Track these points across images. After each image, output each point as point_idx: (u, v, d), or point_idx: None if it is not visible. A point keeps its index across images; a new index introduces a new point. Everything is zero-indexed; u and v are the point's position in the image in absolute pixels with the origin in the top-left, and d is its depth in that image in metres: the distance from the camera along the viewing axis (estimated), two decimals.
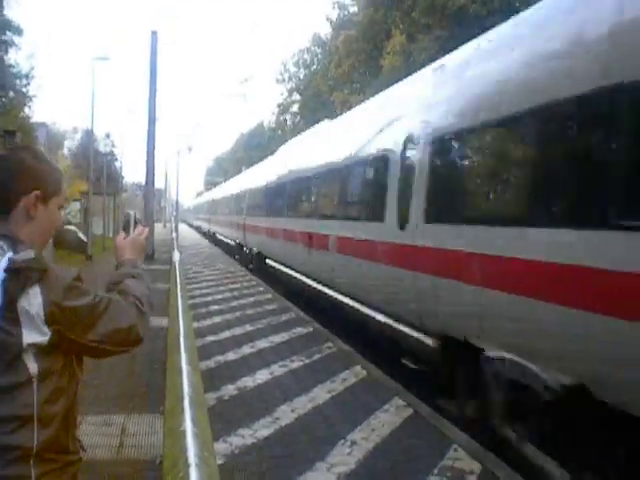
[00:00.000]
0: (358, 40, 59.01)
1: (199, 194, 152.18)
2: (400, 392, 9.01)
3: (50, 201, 2.42)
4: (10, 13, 34.43)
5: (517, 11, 31.71)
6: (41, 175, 2.40)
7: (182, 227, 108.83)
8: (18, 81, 36.97)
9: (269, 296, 19.34)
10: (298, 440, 7.02)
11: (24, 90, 37.88)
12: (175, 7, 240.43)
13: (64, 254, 28.52)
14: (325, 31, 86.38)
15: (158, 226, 73.91)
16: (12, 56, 36.27)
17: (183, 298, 3.78)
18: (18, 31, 34.94)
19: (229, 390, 8.79)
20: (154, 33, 29.17)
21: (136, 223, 2.88)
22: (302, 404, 8.26)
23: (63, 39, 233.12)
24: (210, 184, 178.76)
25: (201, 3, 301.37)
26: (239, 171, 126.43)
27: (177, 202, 67.62)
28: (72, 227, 34.24)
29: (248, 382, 9.25)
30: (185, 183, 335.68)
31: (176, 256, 9.73)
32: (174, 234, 27.71)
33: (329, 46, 78.63)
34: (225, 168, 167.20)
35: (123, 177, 73.92)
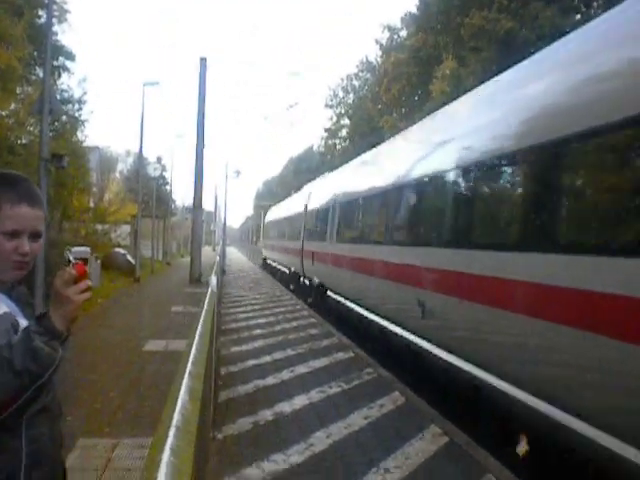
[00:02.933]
0: (408, 64, 59.06)
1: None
2: (436, 419, 8.92)
3: None
4: (63, 38, 35.21)
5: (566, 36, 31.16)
6: None
7: (230, 250, 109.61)
8: (70, 106, 37.67)
9: (313, 320, 19.34)
10: (331, 467, 6.98)
11: (76, 114, 38.57)
12: (224, 33, 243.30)
13: (113, 276, 28.87)
14: (373, 55, 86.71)
15: (207, 249, 74.59)
16: (65, 80, 37.09)
17: (206, 322, 3.79)
18: (70, 56, 35.73)
19: (266, 415, 8.80)
20: (203, 59, 29.54)
21: (79, 264, 2.45)
22: (338, 430, 8.21)
23: (115, 64, 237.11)
24: (259, 208, 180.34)
25: (251, 30, 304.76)
26: (288, 195, 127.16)
27: (225, 225, 68.03)
28: (121, 250, 34.67)
29: (285, 407, 9.24)
30: (235, 207, 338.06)
31: (213, 280, 9.76)
32: (217, 258, 27.80)
33: (378, 70, 78.82)
34: (274, 192, 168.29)
35: (174, 200, 74.79)
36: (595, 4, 41.15)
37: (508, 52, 39.15)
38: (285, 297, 26.52)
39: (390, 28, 77.32)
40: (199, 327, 3.79)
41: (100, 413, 8.49)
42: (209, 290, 7.49)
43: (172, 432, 1.77)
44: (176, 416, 1.92)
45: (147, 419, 8.07)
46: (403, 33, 73.72)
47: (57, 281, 2.33)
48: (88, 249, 23.63)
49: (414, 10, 61.92)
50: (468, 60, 42.94)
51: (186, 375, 2.46)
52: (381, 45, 79.76)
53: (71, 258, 2.35)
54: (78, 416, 8.16)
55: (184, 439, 1.75)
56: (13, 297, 2.42)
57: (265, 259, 52.90)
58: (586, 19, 38.52)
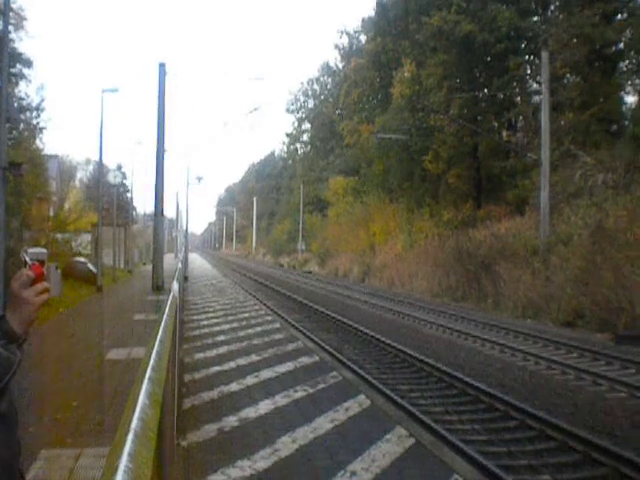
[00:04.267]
0: (368, 68, 59.30)
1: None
2: (403, 421, 8.92)
3: None
4: (20, 46, 34.80)
5: (525, 38, 31.92)
6: None
7: (193, 256, 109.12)
8: (28, 113, 37.26)
9: (277, 325, 19.31)
10: (297, 471, 6.94)
11: (34, 122, 38.16)
12: (183, 39, 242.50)
13: (74, 285, 28.56)
14: (334, 59, 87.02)
15: (169, 256, 74.14)
16: (22, 88, 36.64)
17: (166, 328, 3.74)
18: (28, 63, 35.32)
19: (231, 421, 8.73)
20: (162, 65, 29.37)
21: (36, 265, 2.31)
22: (304, 434, 8.16)
23: (73, 71, 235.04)
24: (222, 214, 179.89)
25: (209, 35, 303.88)
26: (250, 201, 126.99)
27: (187, 232, 67.76)
28: (82, 258, 34.32)
29: (250, 413, 9.18)
30: (196, 213, 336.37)
31: (175, 286, 9.68)
32: (179, 265, 27.64)
33: (338, 74, 79.13)
34: (236, 198, 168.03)
35: (135, 208, 74.27)
36: (552, 6, 41.63)
37: (467, 54, 39.49)
38: (249, 303, 26.47)
39: (348, 33, 77.61)
40: (159, 333, 3.74)
41: (63, 423, 8.37)
42: (170, 296, 7.42)
43: (130, 437, 1.72)
44: (135, 421, 1.87)
45: (110, 428, 7.96)
46: (362, 37, 74.06)
47: (14, 283, 2.26)
48: (44, 250, 23.33)
49: (373, 14, 62.25)
50: (427, 63, 43.20)
51: (145, 380, 2.41)
52: (340, 50, 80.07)
53: (27, 259, 2.28)
54: (40, 426, 8.04)
55: (143, 444, 1.70)
56: None
57: None
58: (543, 21, 39.04)
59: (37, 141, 39.06)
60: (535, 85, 39.84)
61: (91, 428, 8.12)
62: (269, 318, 21.25)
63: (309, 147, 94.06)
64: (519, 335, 20.06)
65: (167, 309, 5.41)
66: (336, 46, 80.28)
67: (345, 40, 78.41)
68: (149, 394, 2.23)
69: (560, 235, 26.88)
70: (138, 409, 2.02)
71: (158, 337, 3.45)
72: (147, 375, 2.49)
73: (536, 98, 37.96)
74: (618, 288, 21.02)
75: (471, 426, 10.10)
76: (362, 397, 10.16)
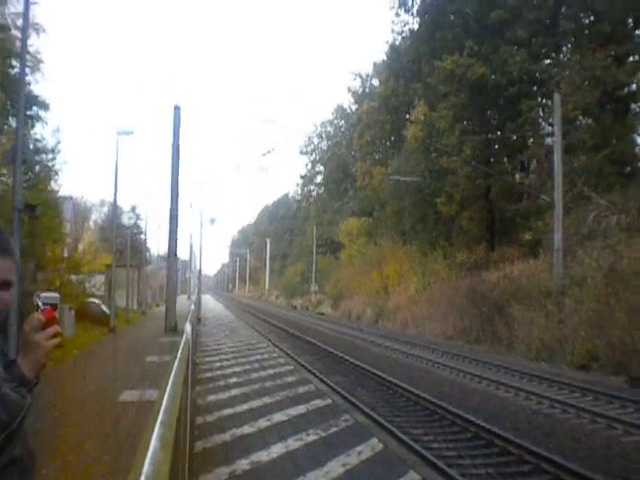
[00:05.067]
0: (380, 111, 59.67)
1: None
2: (416, 465, 8.86)
3: None
4: (36, 88, 35.18)
5: (537, 81, 32.05)
6: None
7: (206, 298, 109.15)
8: (44, 155, 37.57)
9: (290, 368, 19.25)
10: None
11: (50, 164, 38.46)
12: (198, 83, 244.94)
13: (87, 326, 28.59)
14: (347, 102, 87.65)
15: (182, 297, 74.18)
16: (38, 130, 36.98)
17: (179, 370, 3.75)
18: (44, 106, 35.65)
19: (242, 464, 8.69)
20: (177, 108, 29.69)
21: (48, 309, 2.31)
22: (316, 478, 8.11)
23: (88, 113, 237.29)
24: (235, 255, 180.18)
25: (224, 78, 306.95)
26: (264, 242, 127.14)
27: (200, 273, 67.89)
28: (95, 300, 34.40)
29: (262, 456, 9.13)
30: (210, 255, 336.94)
31: (187, 328, 9.69)
32: (192, 306, 27.65)
33: (352, 117, 79.64)
34: (250, 240, 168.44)
35: (148, 249, 74.52)
36: (564, 49, 41.89)
37: (479, 97, 39.68)
38: (261, 345, 26.43)
39: (361, 76, 78.25)
40: (172, 375, 3.75)
41: (75, 465, 8.34)
42: (183, 337, 7.43)
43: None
44: (146, 466, 1.89)
45: (123, 470, 7.93)
46: (375, 81, 74.65)
47: (26, 327, 2.29)
48: (57, 295, 23.45)
49: (385, 59, 62.84)
50: (439, 106, 43.43)
51: (157, 424, 2.42)
52: (353, 93, 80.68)
53: (40, 304, 2.31)
54: (52, 469, 8.02)
55: None
56: None
57: None
58: (555, 64, 39.26)
59: (52, 183, 39.31)
60: (547, 127, 39.96)
61: (103, 471, 8.10)
62: (282, 360, 21.19)
63: (322, 189, 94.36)
64: (533, 378, 19.93)
65: (179, 351, 5.42)
66: (349, 89, 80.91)
67: (358, 83, 79.05)
68: (160, 438, 2.24)
69: (574, 277, 26.77)
70: (150, 453, 2.03)
71: (170, 380, 3.47)
72: (159, 419, 2.50)
73: (548, 140, 38.07)
74: (632, 330, 20.88)
75: (485, 470, 10.02)
76: (375, 440, 10.09)
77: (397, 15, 53.88)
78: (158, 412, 2.61)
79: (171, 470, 2.26)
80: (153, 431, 2.29)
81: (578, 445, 11.70)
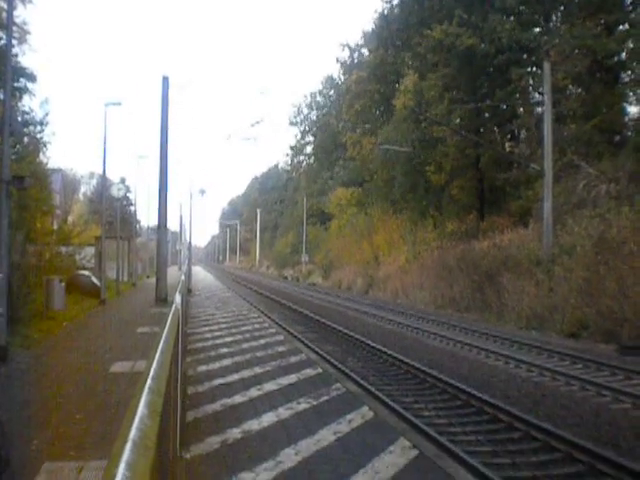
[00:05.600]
0: (370, 80, 59.33)
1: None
2: (406, 432, 8.90)
3: None
4: (24, 60, 34.84)
5: (526, 50, 31.90)
6: None
7: (197, 269, 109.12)
8: (32, 127, 37.30)
9: (281, 338, 19.29)
10: None
11: (38, 136, 38.19)
12: (187, 53, 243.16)
13: (77, 298, 28.55)
14: (337, 73, 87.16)
15: (173, 269, 74.12)
16: (26, 102, 36.66)
17: (168, 339, 3.74)
18: (32, 78, 35.32)
19: (234, 433, 8.72)
20: (165, 79, 29.46)
21: None
22: (307, 446, 8.13)
23: (76, 85, 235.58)
24: (225, 227, 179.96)
25: (213, 48, 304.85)
26: (254, 214, 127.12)
27: (190, 245, 67.79)
28: (85, 272, 34.33)
29: (253, 425, 9.16)
30: (200, 226, 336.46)
31: (177, 299, 9.68)
32: (183, 277, 27.60)
33: (341, 87, 79.23)
34: (239, 211, 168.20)
35: (138, 221, 74.31)
36: (554, 18, 41.70)
37: (469, 66, 39.52)
38: (252, 315, 26.47)
39: (349, 47, 77.74)
40: (160, 344, 3.74)
41: (66, 436, 8.36)
42: (172, 308, 7.42)
43: (128, 447, 1.73)
44: (133, 431, 1.88)
45: (114, 441, 7.95)
46: (364, 51, 74.17)
47: None
48: None
49: (374, 28, 62.45)
50: (429, 75, 43.24)
51: (145, 390, 2.41)
52: (342, 63, 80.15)
53: None
54: (43, 439, 8.04)
55: (141, 454, 1.71)
56: None
57: None
58: (545, 32, 39.09)
59: (41, 155, 39.04)
60: (537, 96, 39.91)
61: (94, 441, 8.11)
62: (272, 330, 21.24)
63: (312, 159, 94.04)
64: (523, 346, 20.05)
65: (169, 321, 5.41)
66: (338, 60, 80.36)
67: (346, 54, 78.54)
68: (148, 404, 2.24)
69: (563, 246, 26.84)
70: (137, 419, 2.03)
71: (159, 348, 3.46)
72: (147, 385, 2.50)
73: (538, 109, 38.03)
74: (622, 299, 20.99)
75: (475, 437, 10.09)
76: (365, 409, 10.14)
77: None
78: (146, 379, 2.60)
79: (160, 437, 2.25)
80: (141, 397, 2.28)
81: (567, 412, 11.79)
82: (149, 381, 2.58)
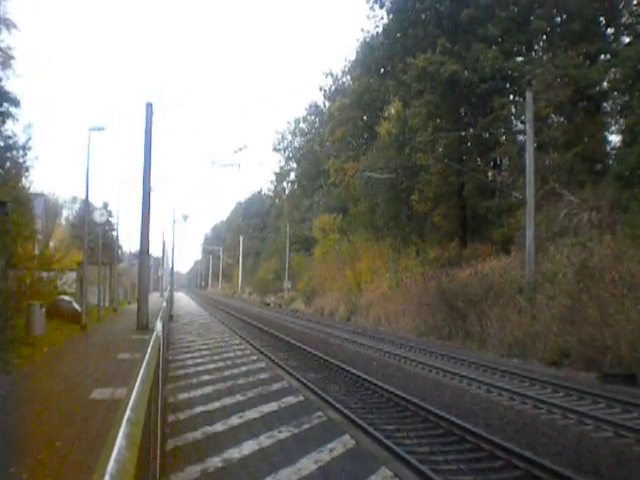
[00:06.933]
0: (353, 107, 59.69)
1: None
2: (388, 461, 8.86)
3: None
4: (7, 84, 34.84)
5: (509, 79, 32.14)
6: None
7: (179, 295, 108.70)
8: (15, 152, 37.25)
9: (262, 365, 19.21)
10: None
11: (21, 161, 38.14)
12: (170, 79, 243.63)
13: (58, 323, 28.34)
14: (321, 99, 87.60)
15: (155, 295, 73.81)
16: (9, 127, 36.62)
17: (148, 367, 3.71)
18: (15, 102, 35.32)
19: (214, 462, 8.64)
20: (149, 105, 29.47)
21: None
22: (287, 475, 8.07)
23: (60, 110, 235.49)
24: (208, 252, 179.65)
25: (197, 75, 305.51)
26: (237, 240, 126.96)
27: (172, 270, 67.59)
28: (67, 297, 34.10)
29: (234, 453, 9.09)
30: (182, 252, 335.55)
31: (158, 325, 9.62)
32: (164, 304, 27.50)
33: (325, 114, 79.62)
34: (223, 237, 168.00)
35: (120, 247, 74.05)
36: (536, 47, 42.15)
37: (452, 94, 39.83)
38: (234, 342, 26.37)
39: (332, 75, 78.26)
40: (140, 372, 3.71)
41: (45, 464, 8.26)
42: (153, 335, 7.37)
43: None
44: (111, 463, 1.86)
45: (92, 470, 7.86)
46: (347, 79, 74.65)
47: None
48: None
49: (357, 56, 62.90)
50: (412, 103, 43.51)
51: (124, 421, 2.39)
52: (325, 91, 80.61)
53: None
54: (23, 467, 7.94)
55: None
56: None
57: None
58: (528, 62, 39.49)
59: (23, 179, 39.01)
60: (520, 125, 40.21)
61: (73, 469, 8.02)
62: (254, 357, 21.15)
63: (296, 185, 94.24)
64: (505, 374, 20.05)
65: (149, 348, 5.37)
66: (321, 88, 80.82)
67: (330, 81, 78.98)
68: (127, 435, 2.21)
69: (545, 274, 26.96)
70: (115, 451, 2.01)
71: (139, 377, 3.43)
72: (126, 416, 2.47)
73: (521, 138, 38.31)
74: (603, 326, 21.05)
75: (457, 466, 10.05)
76: (347, 437, 10.09)
77: (372, 9, 53.55)
78: (125, 409, 2.58)
79: (138, 469, 2.23)
80: (119, 429, 2.26)
81: (549, 440, 11.77)
82: (128, 412, 2.55)
